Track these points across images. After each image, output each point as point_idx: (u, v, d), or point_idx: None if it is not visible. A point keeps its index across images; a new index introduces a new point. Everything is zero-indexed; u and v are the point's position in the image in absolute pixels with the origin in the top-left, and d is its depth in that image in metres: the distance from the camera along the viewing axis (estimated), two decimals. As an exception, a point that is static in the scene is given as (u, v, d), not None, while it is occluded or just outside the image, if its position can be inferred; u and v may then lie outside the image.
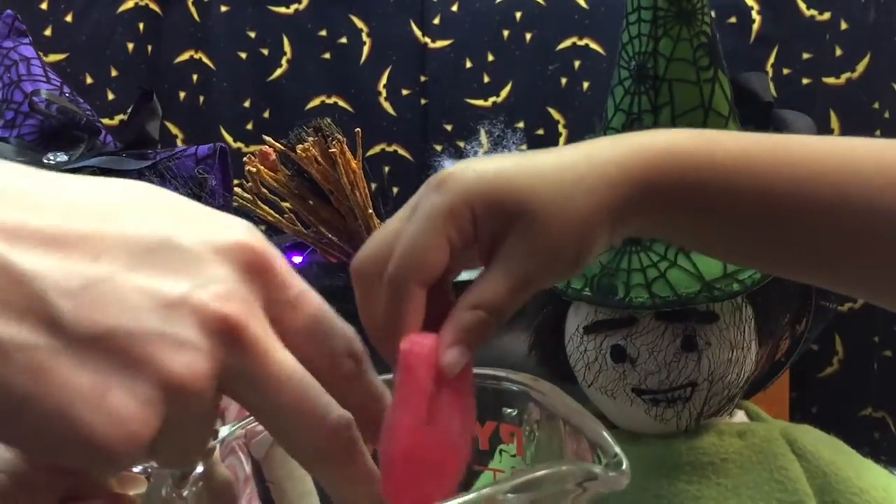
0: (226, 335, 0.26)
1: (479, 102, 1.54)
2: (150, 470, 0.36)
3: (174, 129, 1.54)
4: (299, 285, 0.30)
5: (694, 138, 0.42)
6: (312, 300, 0.30)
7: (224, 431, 0.39)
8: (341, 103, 1.55)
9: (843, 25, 1.46)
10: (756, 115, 0.69)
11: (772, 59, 1.49)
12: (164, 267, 0.26)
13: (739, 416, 0.75)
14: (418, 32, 1.53)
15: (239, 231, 0.28)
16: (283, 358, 0.28)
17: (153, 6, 1.52)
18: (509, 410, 0.42)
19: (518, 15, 1.53)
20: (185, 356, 0.25)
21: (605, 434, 0.34)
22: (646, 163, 0.40)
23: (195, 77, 1.54)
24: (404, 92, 1.54)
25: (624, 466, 0.31)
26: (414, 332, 0.37)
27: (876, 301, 0.46)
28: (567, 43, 1.53)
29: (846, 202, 0.41)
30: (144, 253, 0.26)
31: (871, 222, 0.41)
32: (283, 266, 0.29)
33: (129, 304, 0.25)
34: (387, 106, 1.54)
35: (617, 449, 0.32)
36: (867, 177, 0.41)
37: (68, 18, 1.50)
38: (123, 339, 0.25)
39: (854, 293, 0.46)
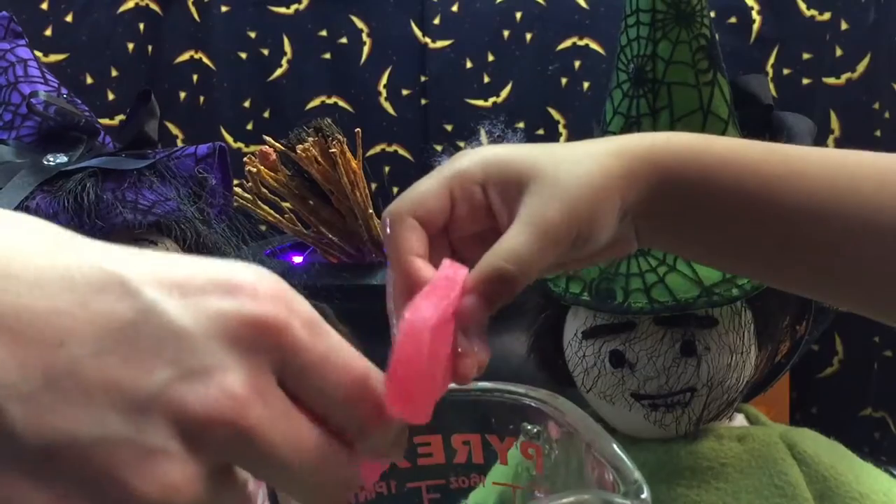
0: (210, 436, 0.22)
1: (479, 102, 1.54)
2: None
3: (174, 130, 1.54)
4: (324, 344, 0.26)
5: (698, 135, 0.44)
6: (338, 362, 0.26)
7: None
8: (341, 103, 1.54)
9: (844, 25, 1.46)
10: (756, 118, 0.69)
11: (772, 60, 1.49)
12: (139, 352, 0.22)
13: (739, 420, 0.75)
14: (418, 32, 1.53)
15: (244, 292, 0.24)
16: (292, 440, 0.24)
17: (153, 6, 1.52)
18: (529, 427, 0.42)
19: (518, 15, 1.52)
20: (156, 468, 0.21)
21: (625, 458, 0.34)
22: (651, 143, 0.42)
23: (195, 77, 1.54)
24: (404, 92, 1.54)
25: (644, 495, 0.31)
26: (418, 254, 0.37)
27: (873, 315, 0.46)
28: (567, 43, 1.52)
29: (841, 210, 0.42)
30: (118, 333, 0.22)
31: (864, 231, 0.42)
32: (304, 322, 0.25)
33: (92, 405, 0.21)
34: (387, 106, 1.54)
35: (637, 475, 0.33)
36: (867, 195, 0.42)
37: (68, 18, 1.50)
38: (82, 449, 0.21)
39: (851, 308, 0.46)
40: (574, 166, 0.39)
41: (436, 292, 0.33)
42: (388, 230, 0.39)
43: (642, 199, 0.41)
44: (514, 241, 0.37)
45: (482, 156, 0.40)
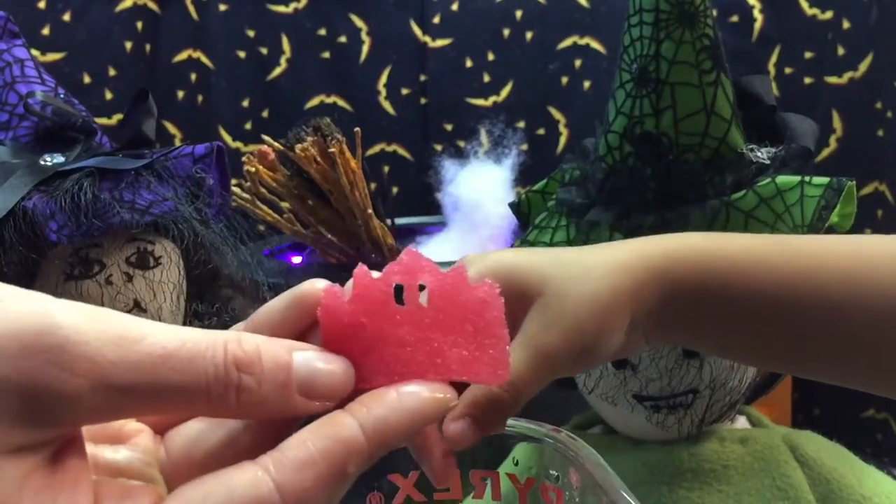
0: None
1: (479, 102, 1.53)
2: None
3: (172, 129, 1.53)
4: None
5: (709, 235, 0.44)
6: None
7: None
8: (341, 103, 1.54)
9: (846, 25, 1.46)
10: (759, 119, 0.68)
11: (774, 59, 1.49)
12: None
13: (741, 422, 0.74)
14: (418, 31, 1.53)
15: None
16: None
17: (151, 5, 1.52)
18: (553, 472, 0.42)
19: (518, 14, 1.52)
20: None
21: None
22: (663, 251, 0.41)
23: (194, 76, 1.54)
24: (404, 91, 1.53)
25: None
26: None
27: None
28: (568, 42, 1.52)
29: (861, 301, 0.41)
30: None
31: (884, 320, 0.41)
32: None
33: None
34: (387, 105, 1.54)
35: None
36: (884, 284, 0.41)
37: (66, 17, 1.49)
38: None
39: (880, 392, 0.46)
40: (582, 284, 0.39)
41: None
42: None
43: (652, 310, 0.40)
44: (511, 366, 0.37)
45: (490, 265, 0.39)
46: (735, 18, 1.48)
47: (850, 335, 0.42)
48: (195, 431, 0.31)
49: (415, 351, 0.30)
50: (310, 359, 0.28)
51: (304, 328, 0.31)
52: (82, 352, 0.23)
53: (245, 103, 1.54)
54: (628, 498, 0.35)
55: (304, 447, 0.26)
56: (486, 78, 1.54)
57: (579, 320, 0.38)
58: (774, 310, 0.41)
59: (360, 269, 0.31)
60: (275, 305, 0.32)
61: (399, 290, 0.31)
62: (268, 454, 0.26)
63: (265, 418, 0.30)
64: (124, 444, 0.30)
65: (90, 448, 0.28)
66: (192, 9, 1.53)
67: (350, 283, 0.31)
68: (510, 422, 0.41)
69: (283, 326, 0.31)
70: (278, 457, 0.26)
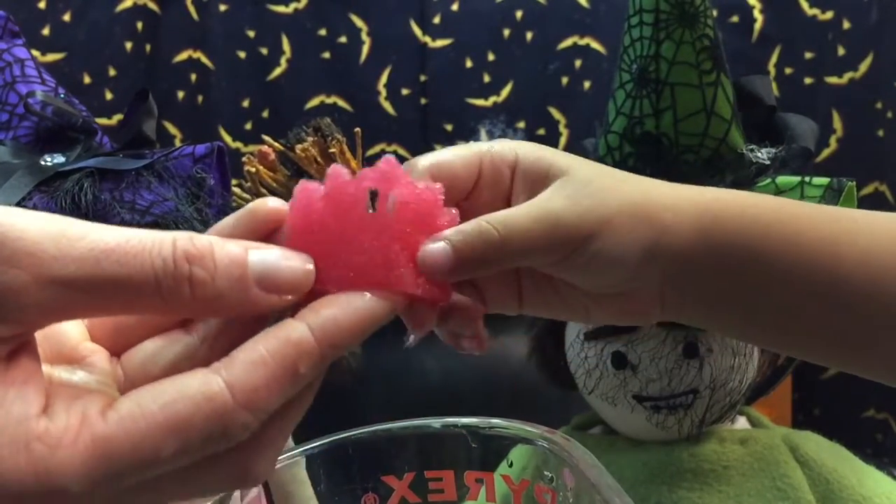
0: None
1: (480, 102, 1.53)
2: None
3: (173, 129, 1.53)
4: None
5: (747, 193, 0.42)
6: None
7: None
8: (341, 103, 1.54)
9: (846, 25, 1.45)
10: (759, 119, 0.69)
11: (774, 59, 1.49)
12: None
13: (741, 423, 0.75)
14: (418, 31, 1.53)
15: None
16: None
17: (152, 5, 1.52)
18: (547, 474, 0.41)
19: (519, 14, 1.52)
20: None
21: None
22: (701, 193, 0.40)
23: (194, 76, 1.53)
24: (404, 92, 1.53)
25: None
26: None
27: None
28: (568, 42, 1.52)
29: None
30: None
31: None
32: None
33: None
34: (387, 106, 1.54)
35: None
36: None
37: (66, 17, 1.49)
38: None
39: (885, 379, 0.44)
40: (612, 180, 0.37)
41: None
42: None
43: (678, 255, 0.38)
44: (510, 211, 0.35)
45: (519, 143, 0.39)
46: (735, 19, 1.48)
47: (887, 305, 0.39)
48: (151, 349, 0.31)
49: (372, 259, 0.29)
50: (267, 254, 0.28)
51: (255, 239, 0.31)
52: (22, 246, 0.24)
53: (245, 103, 1.54)
54: (622, 499, 0.35)
55: (255, 349, 0.26)
56: (486, 78, 1.53)
57: (596, 202, 0.36)
58: (809, 275, 0.39)
59: (337, 168, 0.31)
60: (225, 221, 0.32)
61: (374, 196, 0.30)
62: (220, 360, 0.26)
63: (226, 315, 0.30)
64: (80, 364, 0.30)
65: (46, 368, 0.27)
66: (192, 9, 1.53)
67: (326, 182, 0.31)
68: (504, 423, 0.41)
69: (234, 236, 0.31)
70: (228, 359, 0.26)
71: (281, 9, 1.53)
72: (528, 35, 1.52)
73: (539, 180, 0.37)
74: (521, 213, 0.35)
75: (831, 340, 0.41)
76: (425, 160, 0.37)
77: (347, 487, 0.45)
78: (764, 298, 0.40)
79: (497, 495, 0.43)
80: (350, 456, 0.44)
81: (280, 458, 0.42)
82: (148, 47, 1.52)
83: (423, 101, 1.54)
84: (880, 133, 1.46)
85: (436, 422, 0.43)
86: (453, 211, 0.32)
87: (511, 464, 0.44)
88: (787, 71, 1.48)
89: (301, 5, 1.54)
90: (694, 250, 0.38)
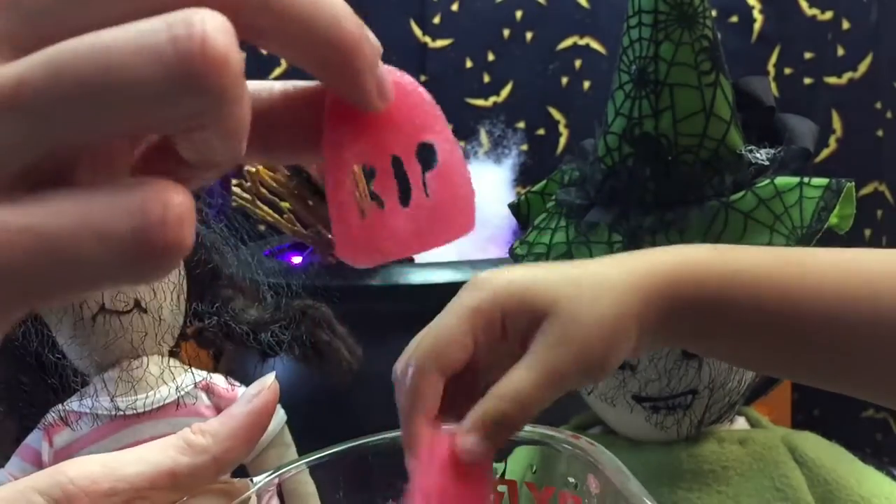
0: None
1: (479, 102, 1.53)
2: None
3: (173, 129, 1.53)
4: None
5: (716, 249, 0.44)
6: None
7: (259, 480, 0.39)
8: (341, 103, 1.54)
9: (845, 25, 1.46)
10: (758, 120, 0.69)
11: (773, 59, 1.49)
12: None
13: (740, 423, 0.75)
14: (418, 32, 1.53)
15: None
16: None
17: (152, 5, 1.52)
18: (571, 480, 0.42)
19: (518, 14, 1.52)
20: None
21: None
22: (672, 268, 0.42)
23: (194, 76, 1.54)
24: (404, 91, 1.53)
25: None
26: (430, 416, 0.38)
27: None
28: (568, 42, 1.52)
29: (862, 320, 0.41)
30: None
31: (887, 332, 0.41)
32: None
33: None
34: (386, 105, 1.54)
35: None
36: (884, 298, 0.41)
37: (66, 17, 1.50)
38: None
39: (877, 401, 0.47)
40: (592, 308, 0.40)
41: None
42: (409, 381, 0.39)
43: (658, 327, 0.42)
44: (519, 384, 0.38)
45: (501, 285, 0.40)
46: (734, 19, 1.48)
47: (852, 351, 0.42)
48: None
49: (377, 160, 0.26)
50: None
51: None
52: None
53: (245, 103, 1.55)
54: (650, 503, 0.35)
55: None
56: (486, 78, 1.54)
57: (589, 342, 0.39)
58: (776, 324, 0.42)
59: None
60: None
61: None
62: None
63: None
64: None
65: None
66: (192, 9, 1.53)
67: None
68: (528, 427, 0.41)
69: None
70: None
71: (281, 9, 1.53)
72: (528, 35, 1.53)
73: (529, 323, 0.40)
74: (528, 384, 0.38)
75: (810, 373, 0.45)
76: (426, 359, 0.39)
77: (367, 495, 0.45)
78: (737, 349, 0.45)
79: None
80: (370, 463, 0.44)
81: (297, 466, 0.42)
82: (148, 47, 1.53)
83: (422, 101, 1.54)
84: (880, 133, 1.46)
85: None
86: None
87: (535, 470, 0.44)
88: (787, 71, 1.48)
89: (301, 5, 1.54)
90: (667, 324, 0.42)
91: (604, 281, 0.41)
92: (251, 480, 0.38)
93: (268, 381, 0.35)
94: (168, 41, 0.17)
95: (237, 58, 0.18)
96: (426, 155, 0.26)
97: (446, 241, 0.26)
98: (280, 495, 0.44)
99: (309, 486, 0.51)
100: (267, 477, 0.40)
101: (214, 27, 0.18)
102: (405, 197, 0.26)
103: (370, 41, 0.23)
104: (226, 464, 0.33)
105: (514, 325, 0.40)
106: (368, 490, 0.44)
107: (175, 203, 0.18)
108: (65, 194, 0.18)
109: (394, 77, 0.25)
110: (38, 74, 0.17)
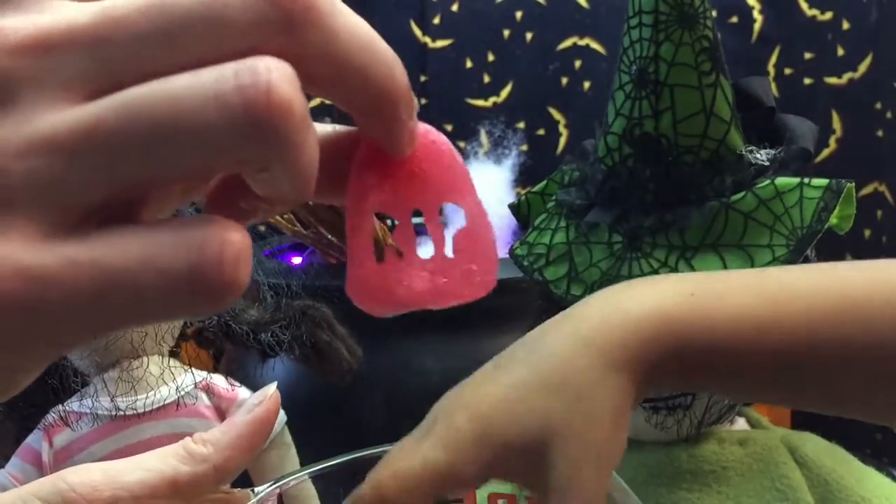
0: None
1: (479, 102, 1.53)
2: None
3: (173, 129, 1.53)
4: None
5: (688, 301, 0.39)
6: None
7: (261, 490, 0.39)
8: (341, 103, 1.54)
9: (845, 25, 1.46)
10: (758, 121, 0.69)
11: (773, 59, 1.49)
12: None
13: (740, 424, 0.75)
14: (418, 32, 1.53)
15: None
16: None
17: (152, 5, 1.52)
18: None
19: (518, 14, 1.52)
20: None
21: None
22: (646, 342, 0.38)
23: (194, 76, 1.54)
24: (404, 92, 1.53)
25: None
26: None
27: None
28: (568, 43, 1.52)
29: (853, 353, 0.39)
30: None
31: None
32: None
33: None
34: (386, 106, 1.54)
35: None
36: (873, 316, 0.39)
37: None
38: None
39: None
40: (590, 411, 0.35)
41: None
42: None
43: (647, 387, 0.39)
44: None
45: (475, 445, 0.35)
46: (734, 19, 1.48)
47: (832, 375, 0.40)
48: None
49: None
50: None
51: None
52: None
53: (245, 103, 1.55)
54: None
55: None
56: (486, 78, 1.54)
57: (603, 451, 0.35)
58: (767, 368, 0.39)
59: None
60: None
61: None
62: None
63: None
64: None
65: None
66: (192, 9, 1.53)
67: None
68: None
69: None
70: None
71: (281, 9, 1.53)
72: (528, 35, 1.53)
73: (533, 462, 0.36)
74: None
75: (813, 405, 0.43)
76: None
77: None
78: (729, 392, 0.44)
79: None
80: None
81: (298, 476, 0.42)
82: (148, 47, 1.53)
83: (423, 101, 1.54)
84: (880, 133, 1.46)
85: None
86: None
87: None
88: (787, 71, 1.48)
89: (301, 5, 1.54)
90: (652, 382, 0.39)
91: (585, 382, 0.36)
92: (252, 490, 0.38)
93: (269, 391, 0.35)
94: (235, 89, 0.18)
95: (301, 105, 0.19)
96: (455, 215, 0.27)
97: (462, 301, 0.27)
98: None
99: (311, 499, 0.51)
100: (268, 487, 0.40)
101: (280, 76, 0.19)
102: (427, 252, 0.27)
103: (411, 91, 0.24)
104: (227, 473, 0.33)
105: (514, 473, 0.36)
106: None
107: (233, 241, 0.19)
108: (131, 231, 0.19)
109: (430, 136, 0.26)
110: (114, 116, 0.18)
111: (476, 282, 0.27)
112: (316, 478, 0.43)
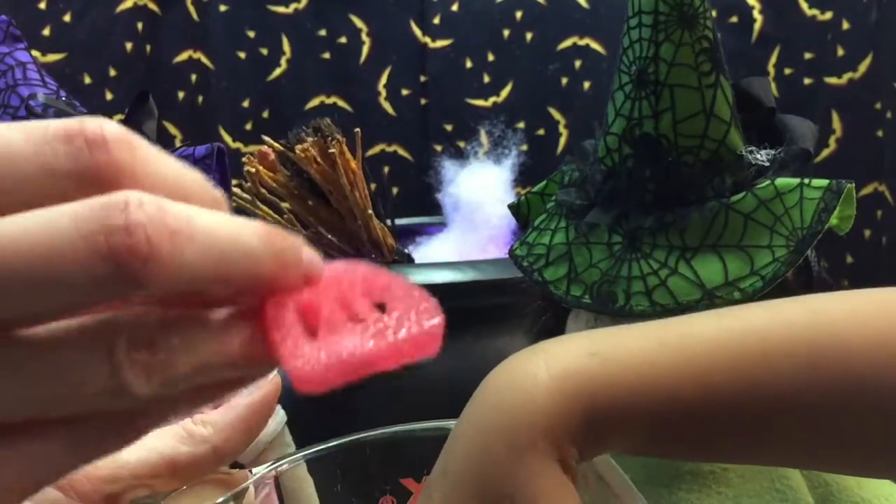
0: None
1: (479, 102, 1.53)
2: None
3: (173, 129, 1.53)
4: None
5: (585, 364, 0.35)
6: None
7: (258, 470, 0.39)
8: (341, 103, 1.54)
9: (845, 25, 1.46)
10: (758, 121, 0.69)
11: (773, 59, 1.49)
12: None
13: (740, 424, 0.75)
14: (418, 32, 1.53)
15: None
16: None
17: (152, 6, 1.52)
18: None
19: (518, 14, 1.52)
20: None
21: None
22: (550, 411, 0.34)
23: (194, 77, 1.54)
24: (404, 92, 1.53)
25: None
26: None
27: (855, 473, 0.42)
28: (568, 42, 1.52)
29: (761, 392, 0.36)
30: None
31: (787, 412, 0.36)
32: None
33: None
34: (387, 106, 1.54)
35: None
36: (778, 364, 0.36)
37: (66, 18, 1.50)
38: None
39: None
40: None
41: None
42: None
43: (593, 450, 0.36)
44: None
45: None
46: (734, 19, 1.48)
47: (752, 422, 0.37)
48: None
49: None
50: None
51: None
52: None
53: (245, 104, 1.54)
54: None
55: None
56: (486, 78, 1.54)
57: None
58: (681, 425, 0.36)
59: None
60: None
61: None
62: None
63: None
64: None
65: None
66: (192, 9, 1.53)
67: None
68: None
69: None
70: None
71: (281, 9, 1.53)
72: (528, 35, 1.53)
73: None
74: None
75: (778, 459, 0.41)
76: None
77: (364, 489, 0.45)
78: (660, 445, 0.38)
79: None
80: (367, 457, 0.43)
81: (294, 459, 0.42)
82: (148, 48, 1.53)
83: (423, 101, 1.54)
84: (880, 133, 1.46)
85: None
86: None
87: None
88: (787, 71, 1.48)
89: (301, 5, 1.54)
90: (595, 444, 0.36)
91: (501, 479, 0.33)
92: (250, 471, 0.38)
93: (270, 376, 0.35)
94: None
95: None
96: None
97: (414, 358, 0.25)
98: (278, 488, 0.44)
99: (306, 481, 0.51)
100: (265, 468, 0.40)
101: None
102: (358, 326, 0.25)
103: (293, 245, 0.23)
104: (225, 454, 0.33)
105: None
106: (366, 484, 0.45)
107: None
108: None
109: (327, 269, 0.25)
110: None
111: (418, 340, 0.25)
112: (312, 461, 0.43)
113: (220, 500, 0.34)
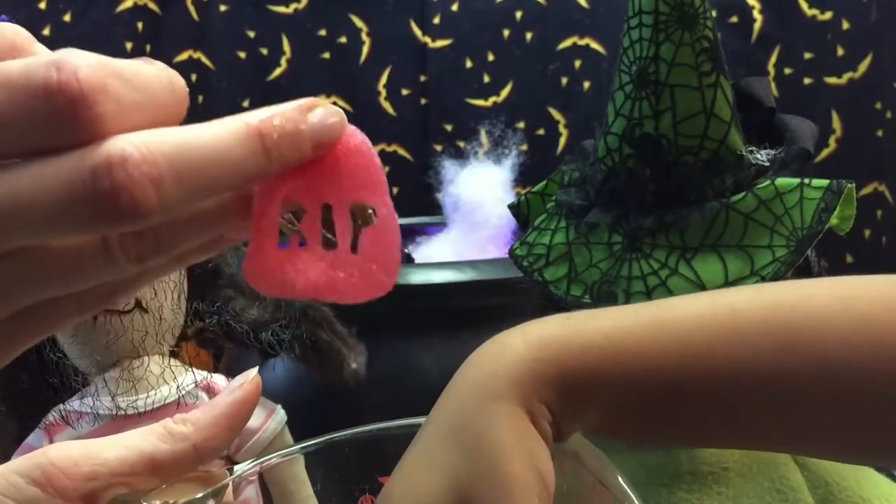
0: None
1: (479, 102, 1.53)
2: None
3: (173, 129, 1.53)
4: None
5: (560, 326, 0.38)
6: None
7: (239, 468, 0.39)
8: (341, 103, 1.54)
9: (845, 25, 1.46)
10: (758, 121, 0.69)
11: (773, 59, 1.49)
12: None
13: (740, 423, 0.75)
14: (418, 32, 1.53)
15: None
16: None
17: (152, 6, 1.52)
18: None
19: (518, 14, 1.52)
20: None
21: (634, 497, 0.33)
22: (524, 364, 0.36)
23: (194, 77, 1.54)
24: (404, 92, 1.53)
25: None
26: None
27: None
28: (568, 42, 1.52)
29: (740, 374, 0.37)
30: None
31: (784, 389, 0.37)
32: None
33: None
34: (387, 106, 1.54)
35: None
36: (761, 345, 0.36)
37: (67, 18, 1.49)
38: None
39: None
40: (490, 449, 0.34)
41: None
42: None
43: (567, 418, 0.38)
44: None
45: None
46: (734, 19, 1.48)
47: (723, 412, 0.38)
48: None
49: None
50: None
51: None
52: None
53: (245, 103, 1.54)
54: (626, 488, 0.35)
55: None
56: (486, 78, 1.54)
57: (515, 478, 0.34)
58: (655, 401, 0.38)
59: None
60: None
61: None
62: None
63: None
64: None
65: None
66: (192, 9, 1.53)
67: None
68: None
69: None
70: None
71: (281, 9, 1.53)
72: (528, 35, 1.53)
73: None
74: None
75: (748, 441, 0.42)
76: None
77: (344, 488, 0.45)
78: (615, 413, 0.40)
79: None
80: (347, 455, 0.43)
81: (279, 455, 0.42)
82: (148, 48, 1.53)
83: (423, 101, 1.54)
84: (880, 133, 1.47)
85: None
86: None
87: None
88: (787, 71, 1.48)
89: (301, 5, 1.54)
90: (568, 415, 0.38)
91: (477, 422, 0.35)
92: (229, 469, 0.38)
93: (251, 374, 0.35)
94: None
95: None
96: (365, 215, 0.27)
97: (358, 299, 0.27)
98: (263, 487, 0.44)
99: (299, 478, 0.51)
100: (246, 465, 0.40)
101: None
102: (332, 245, 0.27)
103: (282, 125, 0.26)
104: (206, 452, 0.33)
105: None
106: (345, 482, 0.45)
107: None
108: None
109: (355, 137, 0.27)
110: None
111: (374, 282, 0.27)
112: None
113: (199, 495, 0.34)
